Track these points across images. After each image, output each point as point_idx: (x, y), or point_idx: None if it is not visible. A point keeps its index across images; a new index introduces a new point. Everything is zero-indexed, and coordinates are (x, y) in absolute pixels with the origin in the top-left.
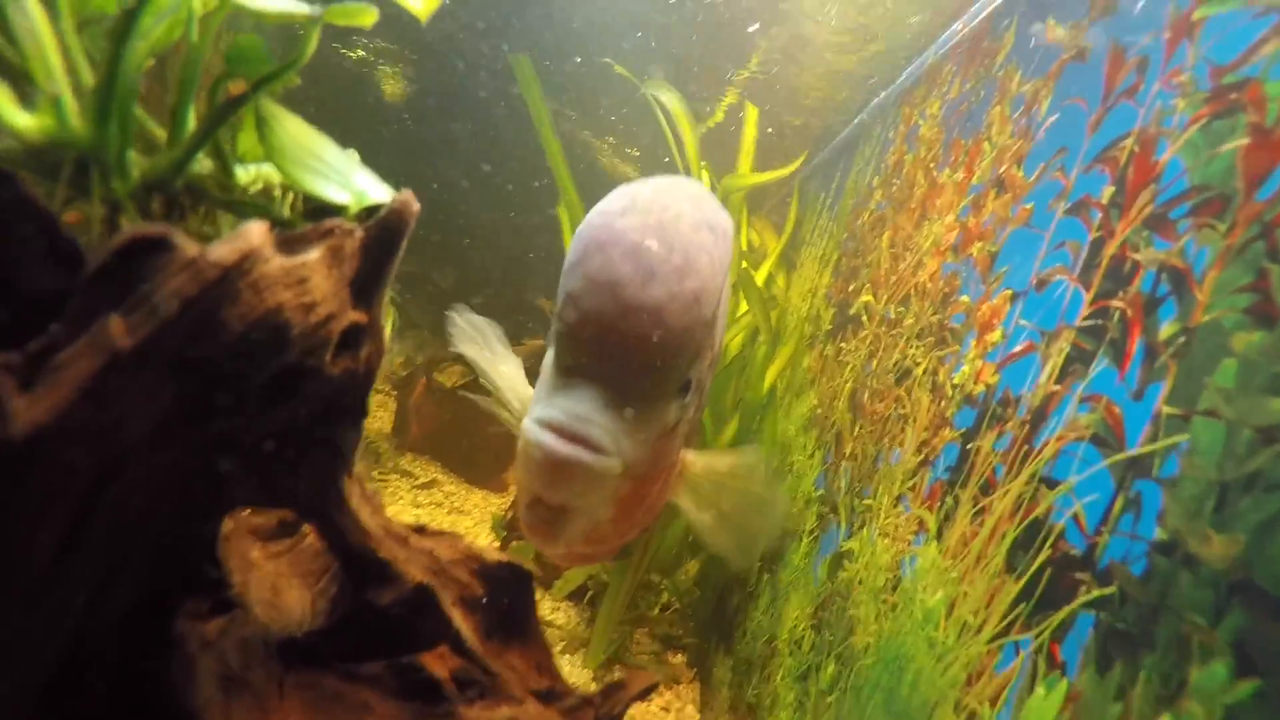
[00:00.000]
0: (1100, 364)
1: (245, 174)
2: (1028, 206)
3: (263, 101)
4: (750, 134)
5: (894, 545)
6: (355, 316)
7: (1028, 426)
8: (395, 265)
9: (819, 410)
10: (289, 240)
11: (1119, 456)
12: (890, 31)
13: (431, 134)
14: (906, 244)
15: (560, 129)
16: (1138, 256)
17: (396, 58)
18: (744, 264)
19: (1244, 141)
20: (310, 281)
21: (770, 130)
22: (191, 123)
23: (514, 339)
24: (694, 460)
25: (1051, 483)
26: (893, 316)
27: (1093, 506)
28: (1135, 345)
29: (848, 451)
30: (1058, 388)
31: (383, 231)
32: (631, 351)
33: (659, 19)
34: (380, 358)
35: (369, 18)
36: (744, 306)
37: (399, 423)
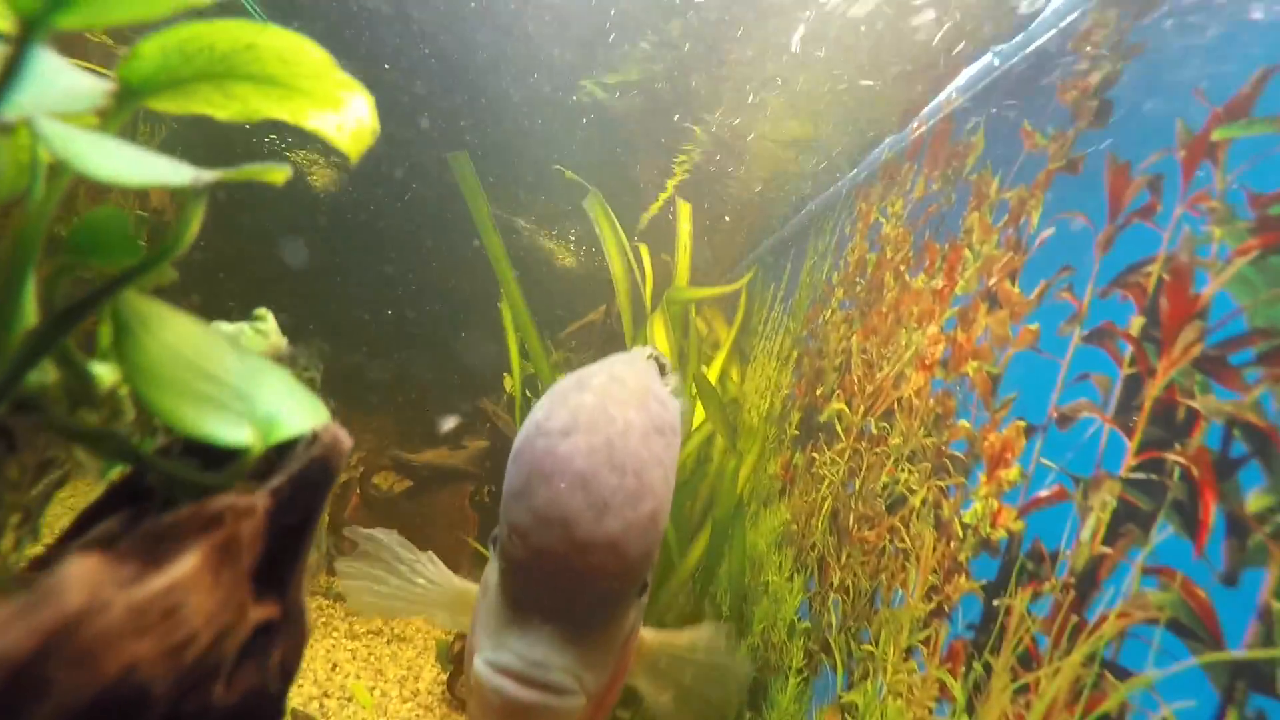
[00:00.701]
0: (1163, 530)
1: (113, 373)
2: (1032, 327)
3: (126, 300)
4: (685, 228)
5: (910, 710)
6: (261, 614)
7: (1073, 592)
8: (318, 526)
9: (793, 526)
10: (152, 540)
11: (1218, 657)
12: (839, 129)
13: (371, 228)
14: (881, 351)
15: (505, 223)
16: (1194, 404)
17: (335, 155)
18: (700, 366)
19: None
20: (184, 609)
21: (708, 223)
22: (31, 315)
23: (456, 438)
24: (650, 638)
25: (1121, 672)
26: (874, 432)
27: (1190, 717)
28: (1211, 514)
29: (835, 581)
30: (1108, 550)
31: (300, 490)
32: (587, 587)
33: (602, 108)
34: (301, 648)
35: (279, 176)
36: (701, 414)
37: (332, 539)
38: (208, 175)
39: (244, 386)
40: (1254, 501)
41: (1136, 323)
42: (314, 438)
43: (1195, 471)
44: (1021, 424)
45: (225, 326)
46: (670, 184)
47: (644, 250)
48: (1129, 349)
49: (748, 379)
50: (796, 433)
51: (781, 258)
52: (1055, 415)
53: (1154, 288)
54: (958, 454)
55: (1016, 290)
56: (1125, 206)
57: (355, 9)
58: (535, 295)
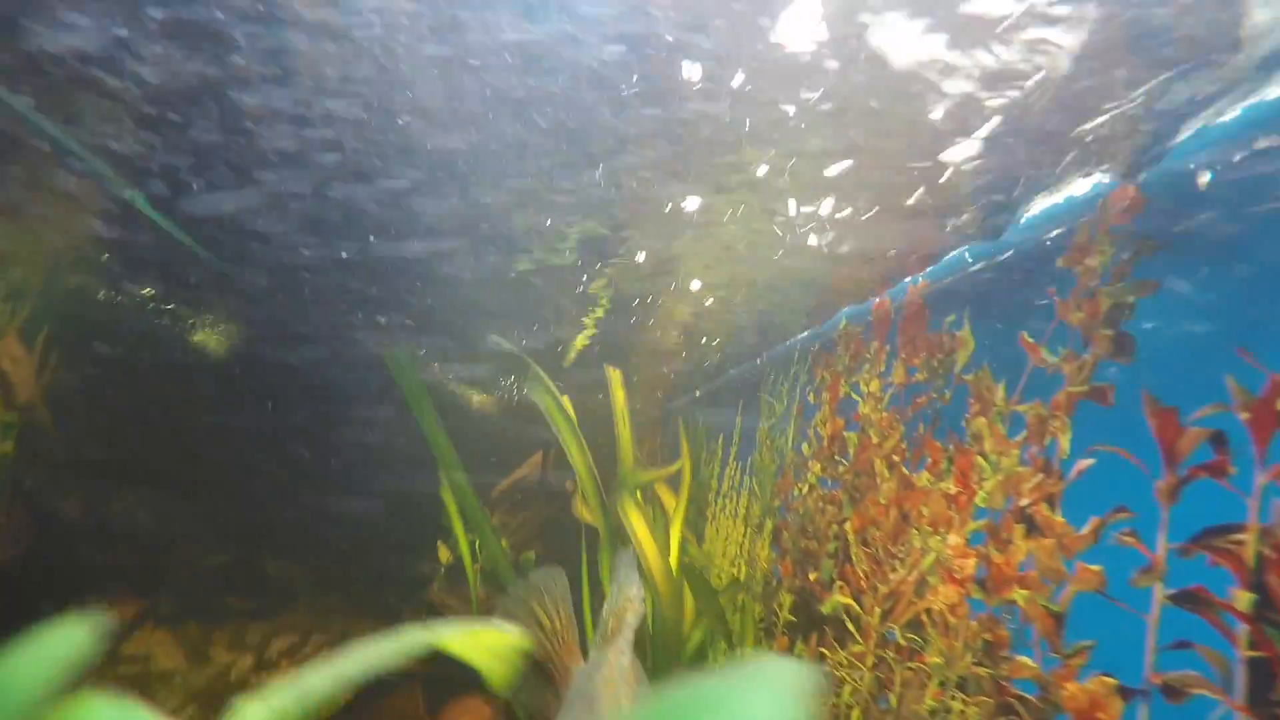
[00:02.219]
0: None
1: None
2: (1094, 568)
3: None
4: (619, 396)
5: None
6: None
7: None
8: None
9: None
10: None
11: None
12: (785, 301)
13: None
14: (889, 549)
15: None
16: None
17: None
18: (693, 563)
19: None
20: None
21: (637, 379)
22: None
23: (393, 619)
24: None
25: None
26: (901, 642)
27: None
28: None
29: None
30: None
31: None
32: None
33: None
34: None
35: None
36: (690, 600)
37: None
38: None
39: None
40: None
41: (1244, 598)
42: None
43: None
44: (1110, 681)
45: None
46: (580, 339)
47: (567, 403)
48: (1242, 627)
49: (708, 539)
50: (792, 619)
51: (721, 410)
52: (1156, 682)
53: (1255, 563)
54: (1029, 696)
55: (1060, 520)
56: (1184, 457)
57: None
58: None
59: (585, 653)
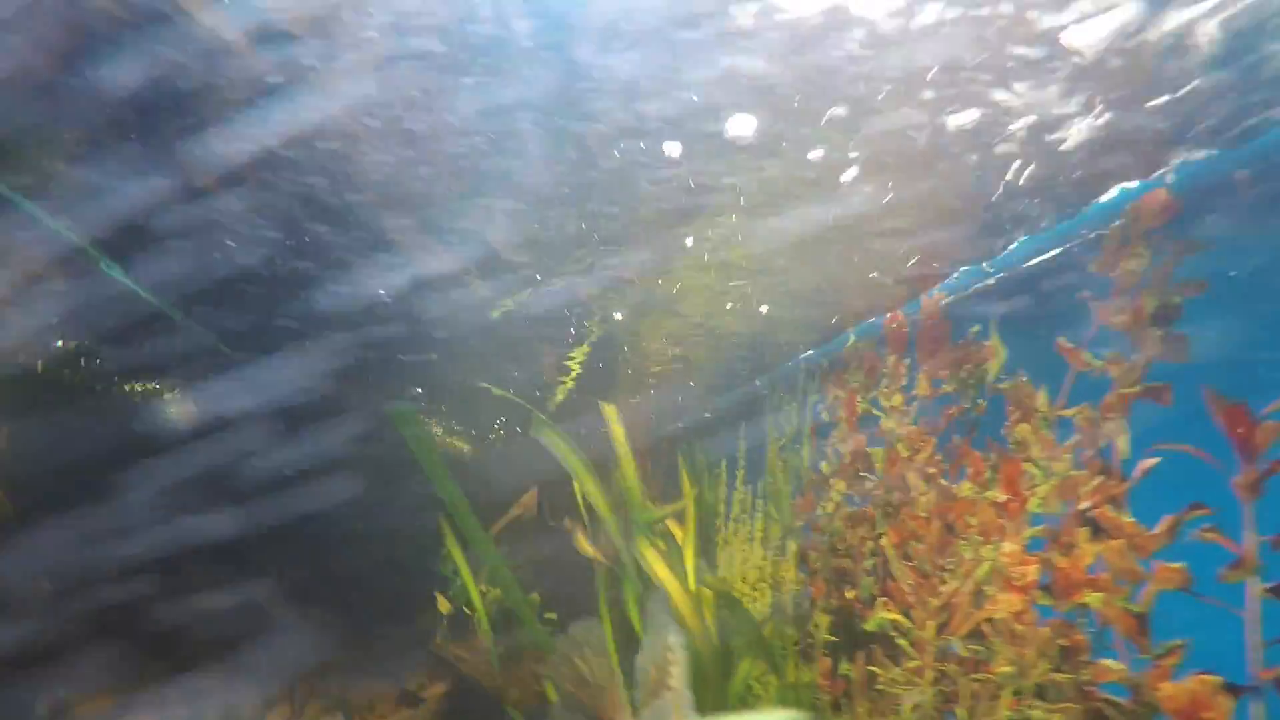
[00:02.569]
0: None
1: None
2: (1176, 566)
3: None
4: (619, 433)
5: None
6: None
7: None
8: None
9: None
10: None
11: None
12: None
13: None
14: (936, 561)
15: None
16: None
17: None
18: (728, 592)
19: None
20: None
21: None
22: None
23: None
24: None
25: None
26: (964, 654)
27: None
28: None
29: None
30: None
31: None
32: None
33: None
34: None
35: None
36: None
37: None
38: None
39: None
40: None
41: None
42: None
43: None
44: (1214, 679)
45: None
46: (568, 380)
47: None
48: None
49: (722, 565)
50: (833, 638)
51: (723, 432)
52: (1267, 679)
53: None
54: (1120, 700)
55: (1129, 520)
56: (1261, 451)
57: None
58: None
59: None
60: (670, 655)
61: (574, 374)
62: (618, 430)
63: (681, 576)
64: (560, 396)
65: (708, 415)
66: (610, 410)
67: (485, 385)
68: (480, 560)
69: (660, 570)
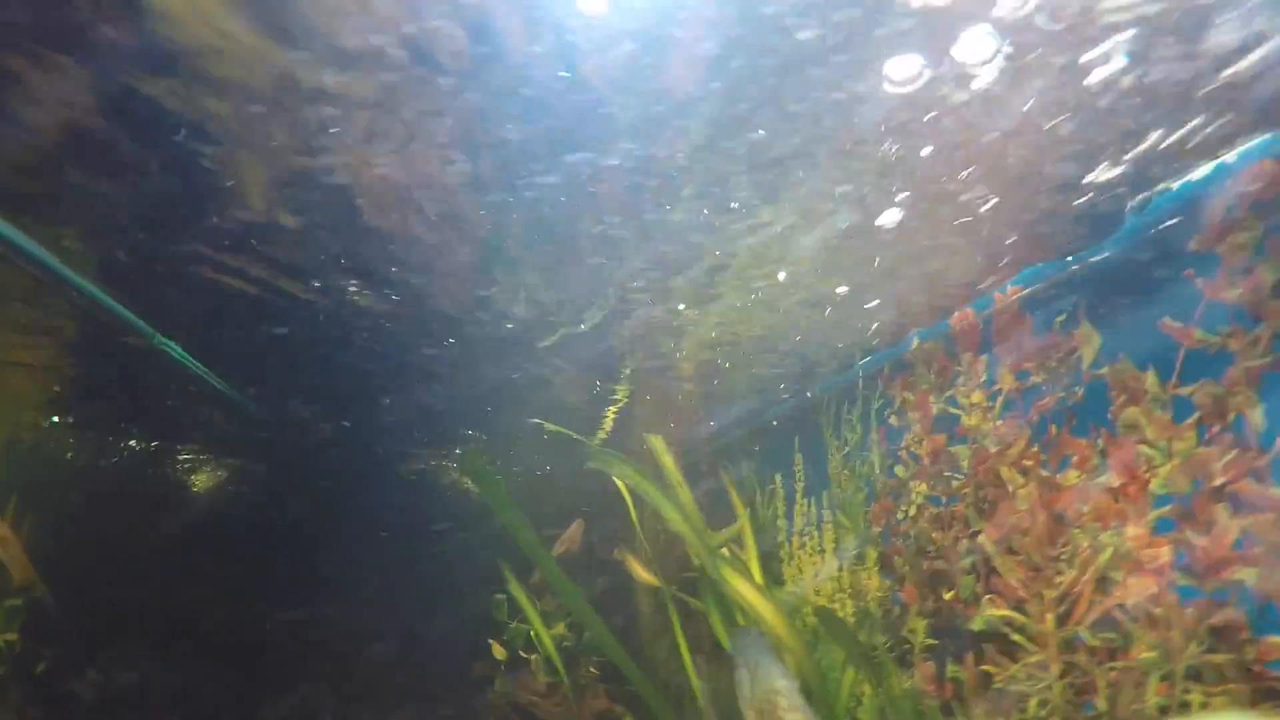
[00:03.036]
0: None
1: None
2: None
3: None
4: (668, 463)
5: None
6: None
7: None
8: None
9: None
10: None
11: None
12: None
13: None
14: (1046, 552)
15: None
16: None
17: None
18: (827, 610)
19: None
20: None
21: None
22: None
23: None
24: None
25: None
26: (1094, 644)
27: None
28: None
29: None
30: None
31: None
32: None
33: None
34: None
35: None
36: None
37: None
38: None
39: None
40: None
41: None
42: None
43: None
44: None
45: None
46: (611, 410)
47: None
48: None
49: (790, 580)
50: (933, 642)
51: (768, 449)
52: None
53: None
54: None
55: (1276, 492)
56: None
57: None
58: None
59: None
60: (779, 698)
61: (620, 403)
62: (667, 460)
63: (768, 596)
64: (607, 426)
65: (752, 432)
66: (657, 441)
67: (538, 421)
68: (547, 597)
69: (747, 591)
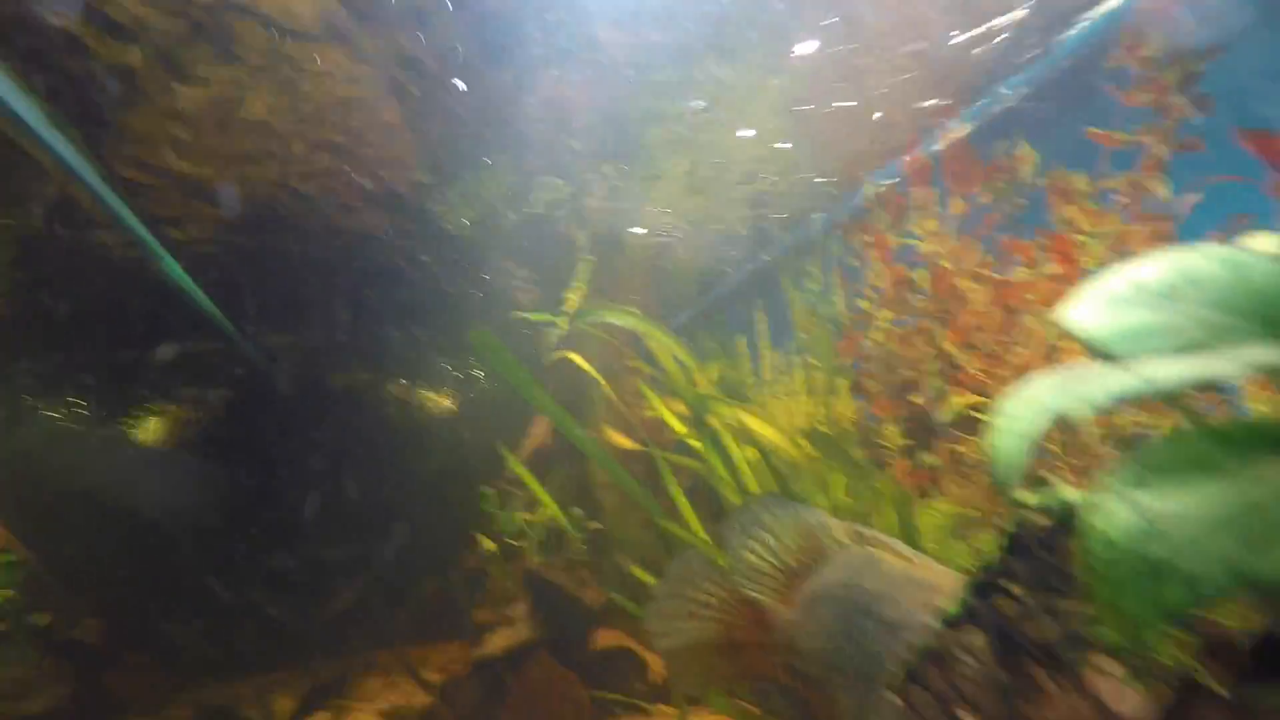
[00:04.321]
0: None
1: None
2: None
3: None
4: (662, 340)
5: None
6: None
7: None
8: None
9: (973, 514)
10: None
11: None
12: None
13: None
14: (1000, 339)
15: None
16: None
17: None
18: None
19: None
20: None
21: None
22: None
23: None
24: None
25: None
26: None
27: None
28: None
29: None
30: None
31: None
32: None
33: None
34: None
35: None
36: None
37: None
38: None
39: None
40: None
41: None
42: None
43: None
44: None
45: None
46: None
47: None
48: None
49: (768, 425)
50: (907, 442)
51: (732, 311)
52: None
53: None
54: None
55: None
56: None
57: None
58: None
59: None
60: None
61: (581, 287)
62: (662, 337)
63: (768, 419)
64: (572, 311)
65: (716, 301)
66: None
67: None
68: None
69: (753, 423)
